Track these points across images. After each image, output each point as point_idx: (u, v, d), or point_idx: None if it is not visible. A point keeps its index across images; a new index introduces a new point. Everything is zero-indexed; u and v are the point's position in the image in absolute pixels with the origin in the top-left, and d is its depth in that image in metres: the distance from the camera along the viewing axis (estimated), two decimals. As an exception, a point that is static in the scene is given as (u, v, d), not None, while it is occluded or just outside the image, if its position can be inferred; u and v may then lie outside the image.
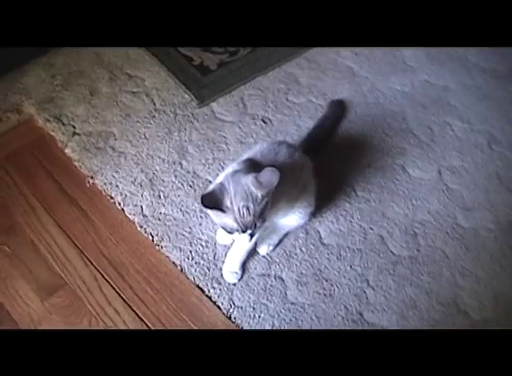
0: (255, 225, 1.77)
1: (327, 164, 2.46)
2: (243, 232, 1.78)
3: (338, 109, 2.70)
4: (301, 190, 2.10)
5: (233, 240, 2.21)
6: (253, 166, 1.87)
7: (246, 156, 1.99)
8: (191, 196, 2.38)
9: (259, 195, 1.73)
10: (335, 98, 2.76)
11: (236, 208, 1.73)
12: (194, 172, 2.46)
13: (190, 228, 2.29)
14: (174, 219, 2.31)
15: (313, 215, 2.26)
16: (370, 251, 2.27)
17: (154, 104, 2.69)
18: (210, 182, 2.40)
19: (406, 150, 2.62)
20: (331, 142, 2.59)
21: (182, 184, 2.42)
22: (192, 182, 2.43)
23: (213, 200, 1.74)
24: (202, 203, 1.70)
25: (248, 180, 1.76)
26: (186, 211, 2.34)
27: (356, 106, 2.76)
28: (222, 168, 2.43)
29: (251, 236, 1.84)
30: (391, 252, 2.27)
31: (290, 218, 2.18)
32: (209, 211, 1.82)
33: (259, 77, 2.80)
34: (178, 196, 2.38)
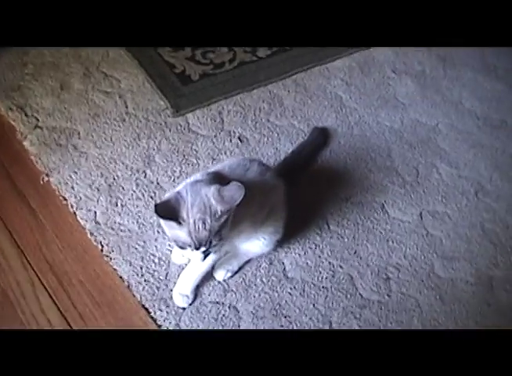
0: (210, 242, 1.58)
1: (302, 192, 2.29)
2: (197, 249, 1.59)
3: (321, 136, 2.54)
4: (269, 214, 1.92)
5: (188, 260, 2.01)
6: (218, 179, 1.69)
7: (212, 168, 1.81)
8: (150, 208, 2.18)
9: (219, 210, 1.55)
10: (319, 125, 2.61)
11: (191, 221, 1.55)
12: (158, 183, 2.27)
13: (144, 242, 2.09)
14: (129, 231, 2.11)
15: (279, 244, 2.08)
16: (337, 290, 2.07)
17: (126, 107, 2.51)
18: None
19: (388, 188, 2.45)
20: (309, 170, 2.42)
21: (143, 194, 2.23)
22: (154, 193, 2.24)
23: (168, 210, 1.55)
24: (156, 211, 1.52)
25: (209, 192, 1.57)
26: (143, 224, 2.14)
27: (341, 136, 2.60)
28: (190, 182, 2.25)
29: (205, 255, 1.64)
30: (360, 294, 2.08)
31: (254, 244, 1.99)
32: (162, 222, 1.62)
33: (242, 93, 2.65)
34: (137, 206, 2.19)
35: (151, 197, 2.22)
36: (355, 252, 2.21)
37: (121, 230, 2.11)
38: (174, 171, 2.32)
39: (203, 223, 1.54)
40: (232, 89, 2.62)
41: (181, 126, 2.48)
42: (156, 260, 2.05)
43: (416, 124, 2.74)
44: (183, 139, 2.44)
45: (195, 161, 2.37)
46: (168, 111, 2.51)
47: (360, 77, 2.90)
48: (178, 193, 1.60)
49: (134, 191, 2.23)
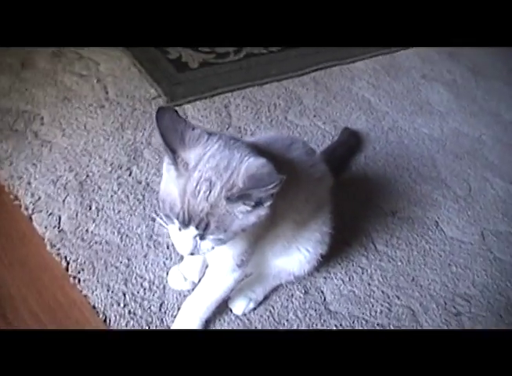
0: (207, 224, 1.01)
1: (339, 205, 1.73)
2: (185, 225, 1.02)
3: (353, 138, 2.04)
4: (315, 211, 1.36)
5: (193, 284, 1.42)
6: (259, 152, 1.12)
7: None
8: (137, 214, 1.59)
9: (239, 184, 0.99)
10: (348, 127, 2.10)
11: (196, 174, 0.99)
12: (147, 184, 1.69)
13: (129, 259, 1.48)
14: (107, 243, 1.50)
15: (317, 266, 1.50)
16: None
17: (107, 93, 1.95)
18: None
19: (440, 202, 1.95)
20: (343, 178, 1.89)
21: (127, 197, 1.63)
22: (143, 196, 1.65)
23: (174, 129, 1.02)
24: (157, 118, 1.05)
25: (245, 158, 1.02)
26: (127, 235, 1.54)
27: (375, 141, 2.11)
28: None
29: (195, 247, 1.07)
30: None
31: (292, 259, 1.41)
32: (166, 156, 1.05)
33: (252, 87, 2.15)
34: (118, 211, 1.59)
35: (138, 201, 1.63)
36: (413, 279, 1.66)
37: (96, 242, 1.50)
38: (170, 171, 1.74)
39: (209, 188, 0.99)
40: (240, 81, 2.13)
41: (177, 118, 1.93)
42: (147, 284, 1.45)
43: (457, 134, 2.28)
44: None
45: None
46: (161, 100, 1.96)
47: (387, 80, 2.45)
48: (207, 132, 1.05)
49: (115, 192, 1.64)
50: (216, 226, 1.01)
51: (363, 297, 1.58)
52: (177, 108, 1.95)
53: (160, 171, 1.71)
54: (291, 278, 1.48)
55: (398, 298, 1.60)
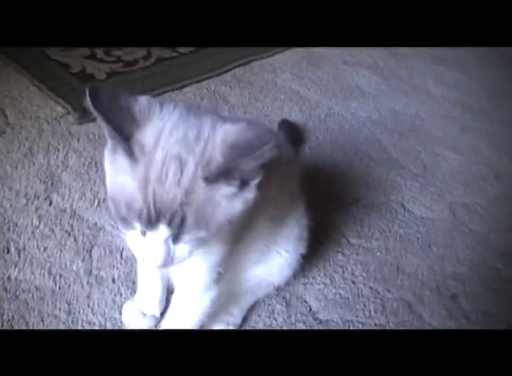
0: (183, 219, 0.75)
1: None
2: (150, 226, 0.76)
3: (292, 130, 1.83)
4: (291, 202, 1.14)
5: (155, 319, 1.15)
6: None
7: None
8: (68, 248, 1.29)
9: (215, 162, 0.75)
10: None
11: (159, 155, 0.75)
12: (74, 212, 1.40)
13: (69, 303, 1.20)
14: (38, 289, 1.20)
15: (293, 274, 1.27)
16: (398, 325, 1.32)
17: (6, 117, 1.63)
18: (101, 227, 1.34)
19: (398, 183, 1.80)
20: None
21: (52, 230, 1.33)
22: (71, 226, 1.36)
23: (116, 107, 0.76)
24: (91, 100, 0.75)
25: (218, 124, 0.79)
26: (60, 275, 1.24)
27: (315, 130, 1.93)
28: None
29: (167, 253, 0.80)
30: (429, 324, 1.34)
31: (271, 266, 1.17)
32: (109, 144, 0.79)
33: (170, 92, 1.90)
34: (45, 249, 1.29)
35: (66, 232, 1.33)
36: (398, 268, 1.48)
37: (24, 290, 1.19)
38: (97, 193, 1.45)
39: (179, 168, 0.74)
40: (157, 87, 1.87)
41: (93, 134, 1.64)
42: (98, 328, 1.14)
43: (395, 113, 2.15)
44: (100, 149, 1.59)
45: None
46: (71, 117, 1.66)
47: (311, 70, 2.29)
48: (159, 102, 0.80)
49: (36, 226, 1.33)
50: (195, 220, 0.75)
51: (351, 297, 1.37)
52: (90, 124, 1.66)
53: (87, 195, 1.44)
54: (271, 289, 1.24)
55: (389, 291, 1.40)
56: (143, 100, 0.78)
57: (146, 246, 0.79)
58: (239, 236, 0.97)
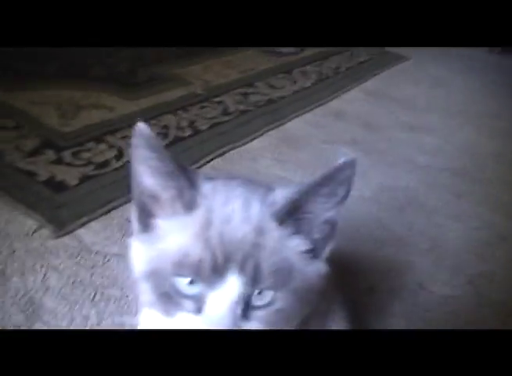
0: (255, 269, 0.65)
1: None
2: (212, 276, 0.65)
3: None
4: (327, 305, 0.98)
5: None
6: None
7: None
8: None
9: (281, 198, 0.70)
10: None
11: (217, 199, 0.69)
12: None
13: None
14: None
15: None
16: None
17: (-35, 240, 1.42)
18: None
19: (410, 262, 1.66)
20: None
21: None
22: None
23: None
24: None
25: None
26: None
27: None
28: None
29: (243, 313, 0.67)
30: None
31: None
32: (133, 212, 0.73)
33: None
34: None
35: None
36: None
37: None
38: (87, 317, 1.24)
39: (245, 206, 0.68)
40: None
41: (73, 247, 1.45)
42: None
43: (385, 188, 2.06)
44: (85, 265, 1.39)
45: (113, 293, 1.32)
46: (45, 230, 1.47)
47: (291, 153, 2.18)
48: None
49: (17, 369, 1.10)
50: (271, 268, 0.64)
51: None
52: (67, 237, 1.48)
53: (76, 320, 1.24)
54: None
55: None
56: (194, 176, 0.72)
57: (207, 318, 0.63)
58: None
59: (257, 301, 0.64)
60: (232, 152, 2.12)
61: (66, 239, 1.48)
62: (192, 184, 0.68)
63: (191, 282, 0.64)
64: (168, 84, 2.59)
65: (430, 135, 2.59)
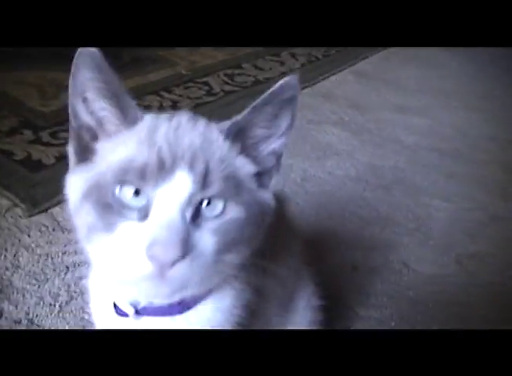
0: (205, 171, 0.61)
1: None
2: (159, 174, 0.61)
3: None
4: (296, 280, 0.94)
5: None
6: None
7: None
8: None
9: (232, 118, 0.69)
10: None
11: (163, 115, 0.69)
12: (31, 322, 1.16)
13: None
14: None
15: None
16: None
17: None
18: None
19: (395, 241, 1.63)
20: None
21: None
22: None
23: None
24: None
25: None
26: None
27: (295, 197, 1.74)
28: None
29: (183, 242, 0.59)
30: None
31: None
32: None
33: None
34: None
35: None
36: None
37: None
38: (57, 295, 1.21)
39: (192, 120, 0.68)
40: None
41: (45, 226, 1.41)
42: None
43: (373, 168, 2.02)
44: (57, 242, 1.35)
45: (85, 272, 1.28)
46: (19, 209, 1.44)
47: (276, 132, 2.15)
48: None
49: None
50: (222, 172, 0.63)
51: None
52: (41, 215, 1.44)
53: (45, 299, 1.20)
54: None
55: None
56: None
57: (154, 219, 0.59)
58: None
59: (208, 211, 0.61)
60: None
61: (39, 218, 1.44)
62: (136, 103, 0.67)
63: (136, 192, 0.60)
64: (154, 65, 2.54)
65: (420, 116, 2.55)
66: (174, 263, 0.57)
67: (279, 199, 0.97)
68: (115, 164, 0.62)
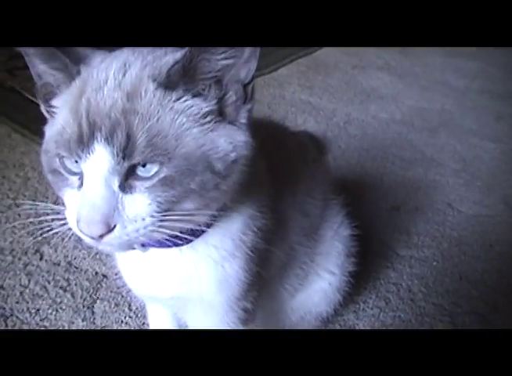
0: (127, 138, 0.56)
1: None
2: (79, 148, 0.58)
3: (311, 141, 1.64)
4: (324, 209, 0.93)
5: None
6: None
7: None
8: (66, 307, 1.10)
9: (172, 58, 0.62)
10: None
11: (102, 66, 0.62)
12: (70, 264, 1.20)
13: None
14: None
15: (340, 301, 1.04)
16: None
17: (-15, 170, 1.46)
18: (103, 277, 1.15)
19: (440, 183, 1.59)
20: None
21: (45, 288, 1.14)
22: (67, 281, 1.17)
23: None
24: None
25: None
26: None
27: (336, 140, 1.73)
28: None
29: (109, 214, 0.57)
30: None
31: (314, 293, 0.95)
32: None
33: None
34: (37, 311, 1.09)
35: (62, 289, 1.13)
36: (461, 277, 1.26)
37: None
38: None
39: (122, 71, 0.61)
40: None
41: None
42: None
43: (419, 111, 1.96)
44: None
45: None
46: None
47: (320, 78, 2.12)
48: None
49: (25, 286, 1.12)
50: (148, 138, 0.57)
51: (414, 319, 1.14)
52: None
53: (83, 242, 1.25)
54: (318, 322, 1.02)
55: (456, 304, 1.17)
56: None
57: (82, 193, 0.58)
58: (265, 259, 0.76)
59: (142, 173, 0.58)
60: (258, 79, 2.07)
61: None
62: (78, 59, 0.63)
63: (76, 160, 0.59)
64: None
65: (469, 59, 2.44)
66: (102, 236, 0.57)
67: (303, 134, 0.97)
68: (53, 133, 0.61)
